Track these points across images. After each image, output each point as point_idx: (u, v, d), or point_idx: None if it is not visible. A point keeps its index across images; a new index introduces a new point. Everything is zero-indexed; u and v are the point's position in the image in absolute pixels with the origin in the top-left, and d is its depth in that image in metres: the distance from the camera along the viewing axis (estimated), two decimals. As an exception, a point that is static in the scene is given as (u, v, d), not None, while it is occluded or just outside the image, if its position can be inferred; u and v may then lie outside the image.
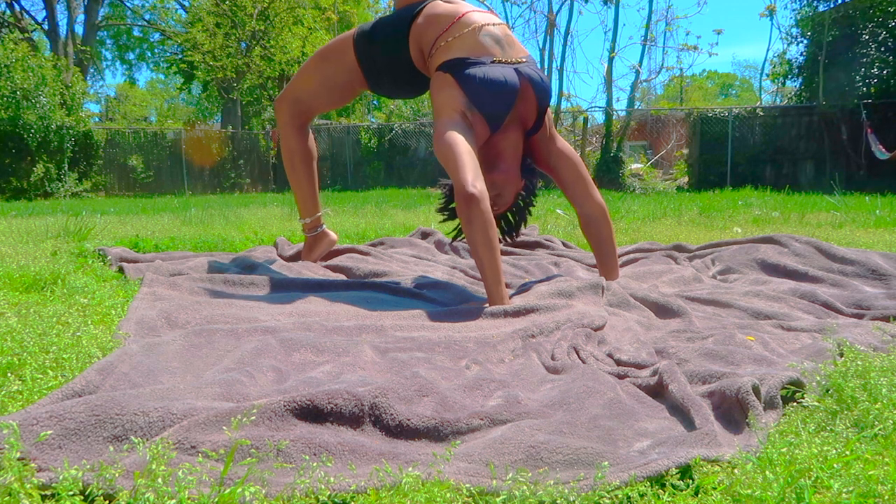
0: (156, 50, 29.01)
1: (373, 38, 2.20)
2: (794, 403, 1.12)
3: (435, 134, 1.96)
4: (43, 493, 0.76)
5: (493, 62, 2.00)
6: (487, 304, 1.75)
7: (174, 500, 0.74)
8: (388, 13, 2.38)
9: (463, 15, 2.08)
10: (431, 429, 1.00)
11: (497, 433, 0.97)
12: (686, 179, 13.43)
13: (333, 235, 2.56)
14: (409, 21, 2.14)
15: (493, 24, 2.09)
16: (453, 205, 2.14)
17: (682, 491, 0.84)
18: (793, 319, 1.77)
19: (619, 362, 1.39)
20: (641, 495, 0.82)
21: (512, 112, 2.03)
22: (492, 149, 2.07)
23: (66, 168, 12.96)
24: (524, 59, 2.07)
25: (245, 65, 17.17)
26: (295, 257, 2.64)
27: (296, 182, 2.47)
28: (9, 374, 1.16)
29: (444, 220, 2.25)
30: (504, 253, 2.91)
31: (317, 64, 2.35)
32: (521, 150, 2.12)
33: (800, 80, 13.50)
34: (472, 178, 1.79)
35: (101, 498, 0.76)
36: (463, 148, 1.85)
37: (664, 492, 0.83)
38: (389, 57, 2.19)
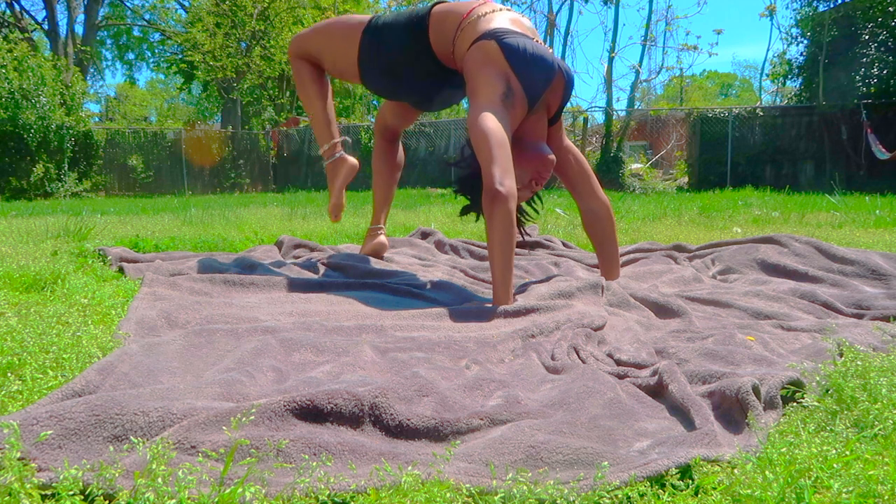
0: (156, 50, 29.04)
1: (382, 32, 2.17)
2: (794, 403, 1.12)
3: (470, 116, 1.90)
4: (43, 492, 0.76)
5: (532, 40, 1.99)
6: (489, 304, 1.75)
7: (174, 500, 0.74)
8: (386, 12, 2.37)
9: (485, 2, 2.09)
10: (431, 429, 1.00)
11: (497, 433, 0.97)
12: (686, 179, 13.43)
13: (353, 161, 2.48)
14: (427, 11, 2.12)
15: (520, 15, 2.10)
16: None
17: (682, 491, 0.84)
18: (793, 319, 1.77)
19: (619, 362, 1.39)
20: (641, 495, 0.82)
21: (545, 93, 2.00)
22: (528, 127, 2.04)
23: (65, 168, 12.96)
24: (551, 50, 2.07)
25: (245, 65, 17.18)
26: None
27: (308, 106, 2.44)
28: (9, 374, 1.16)
29: (477, 219, 2.23)
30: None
31: (324, 34, 2.32)
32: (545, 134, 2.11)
33: (800, 80, 13.50)
34: (501, 174, 1.76)
35: (101, 498, 0.76)
36: (496, 139, 1.81)
37: (664, 492, 0.83)
38: (402, 48, 2.15)
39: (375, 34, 2.19)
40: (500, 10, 2.06)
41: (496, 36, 1.94)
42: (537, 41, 2.00)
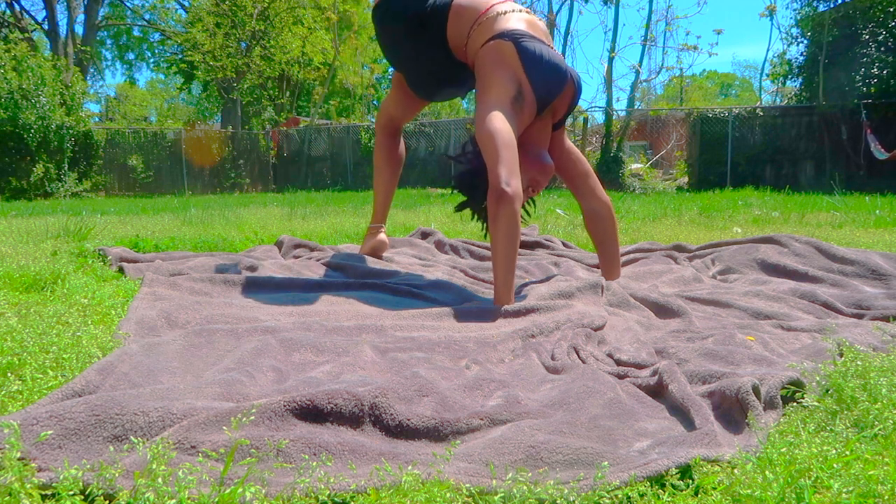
0: (156, 50, 29.06)
1: (396, 15, 2.13)
2: (794, 403, 1.12)
3: (478, 115, 1.88)
4: (43, 492, 0.76)
5: (547, 45, 1.98)
6: (489, 304, 1.75)
7: (174, 500, 0.74)
8: None
9: (504, 1, 2.08)
10: (431, 429, 1.00)
11: (497, 433, 0.97)
12: (686, 179, 13.42)
13: None
14: (449, 1, 2.10)
15: (536, 19, 2.10)
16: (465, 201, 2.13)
17: (681, 491, 0.84)
18: (793, 319, 1.77)
19: (619, 362, 1.39)
20: (641, 495, 0.82)
21: (555, 100, 2.00)
22: (532, 132, 2.04)
23: (65, 168, 12.96)
24: (562, 56, 2.08)
25: (245, 65, 17.17)
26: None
27: None
28: (9, 374, 1.16)
29: (476, 219, 2.20)
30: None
31: None
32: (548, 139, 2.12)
33: (800, 80, 13.49)
34: (507, 175, 1.75)
35: (102, 498, 0.76)
36: (504, 139, 1.80)
37: (664, 492, 0.83)
38: (414, 36, 2.13)
39: (388, 5, 2.14)
40: (519, 10, 2.05)
41: (514, 37, 1.93)
42: (551, 47, 2.00)
